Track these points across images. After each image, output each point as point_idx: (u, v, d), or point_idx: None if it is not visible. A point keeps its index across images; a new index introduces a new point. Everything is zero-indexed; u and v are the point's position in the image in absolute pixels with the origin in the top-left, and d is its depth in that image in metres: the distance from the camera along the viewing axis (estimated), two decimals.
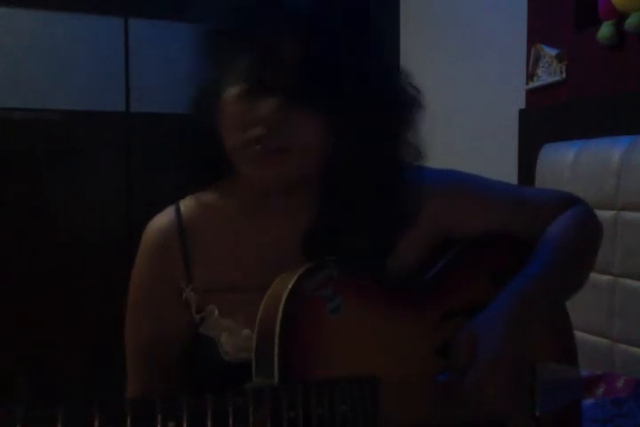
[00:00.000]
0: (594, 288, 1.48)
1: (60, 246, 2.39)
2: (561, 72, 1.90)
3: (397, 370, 0.74)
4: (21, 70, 2.33)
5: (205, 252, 0.86)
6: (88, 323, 2.32)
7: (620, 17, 1.64)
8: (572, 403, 0.90)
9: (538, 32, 2.00)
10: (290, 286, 0.71)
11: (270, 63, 0.75)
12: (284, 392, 0.64)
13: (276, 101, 0.74)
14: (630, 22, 1.60)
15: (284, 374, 0.67)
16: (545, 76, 1.97)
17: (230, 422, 0.60)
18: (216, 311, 0.84)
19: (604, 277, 1.50)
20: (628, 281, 1.47)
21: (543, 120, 1.98)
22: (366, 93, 0.76)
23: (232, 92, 0.76)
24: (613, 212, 1.49)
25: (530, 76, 2.02)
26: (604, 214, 1.36)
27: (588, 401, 1.22)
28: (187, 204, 0.89)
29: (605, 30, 1.68)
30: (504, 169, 2.02)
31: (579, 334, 0.98)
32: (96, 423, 0.55)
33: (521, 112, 2.05)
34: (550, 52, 1.94)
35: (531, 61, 2.01)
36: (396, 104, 0.80)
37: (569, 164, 1.68)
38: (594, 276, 1.22)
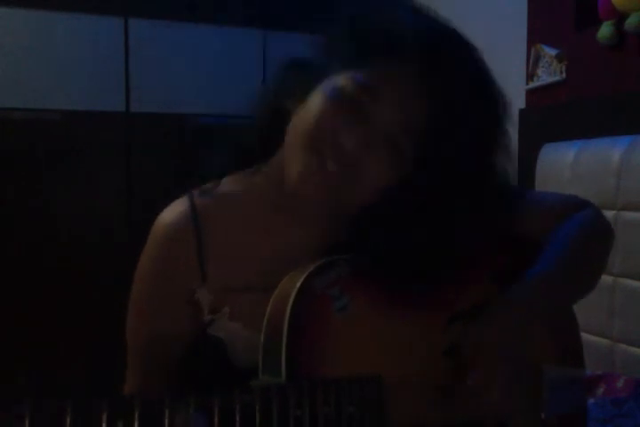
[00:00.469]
0: None
1: (60, 246, 2.38)
2: (561, 72, 1.90)
3: (403, 370, 0.74)
4: (21, 70, 2.33)
5: (223, 247, 0.82)
6: (88, 323, 2.32)
7: (620, 17, 1.64)
8: (578, 405, 0.90)
9: (538, 32, 2.00)
10: (298, 285, 0.71)
11: (390, 93, 0.72)
12: (291, 390, 0.63)
13: (364, 132, 0.72)
14: (630, 22, 1.60)
15: (290, 373, 0.67)
16: (545, 76, 1.97)
17: (237, 420, 0.60)
18: (227, 313, 0.82)
19: (604, 277, 1.49)
20: (628, 281, 1.47)
21: (543, 120, 1.97)
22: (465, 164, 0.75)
23: (334, 96, 0.74)
24: (613, 212, 1.49)
25: (530, 76, 2.02)
26: (603, 214, 1.36)
27: (589, 401, 1.22)
28: (202, 195, 0.84)
29: (605, 30, 1.68)
30: None
31: None
32: (104, 419, 0.55)
33: (521, 112, 2.05)
34: (550, 52, 1.94)
35: (531, 61, 2.01)
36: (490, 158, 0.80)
37: (569, 164, 1.68)
38: None
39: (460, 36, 0.77)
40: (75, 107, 2.40)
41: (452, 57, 0.74)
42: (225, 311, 0.82)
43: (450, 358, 0.77)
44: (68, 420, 0.54)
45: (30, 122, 2.35)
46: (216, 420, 0.59)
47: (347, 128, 0.72)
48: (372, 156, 0.73)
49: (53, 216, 2.39)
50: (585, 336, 1.40)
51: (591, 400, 1.23)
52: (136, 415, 0.56)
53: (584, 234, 0.87)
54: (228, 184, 0.85)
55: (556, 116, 1.92)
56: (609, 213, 1.50)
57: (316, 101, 0.74)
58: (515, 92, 2.07)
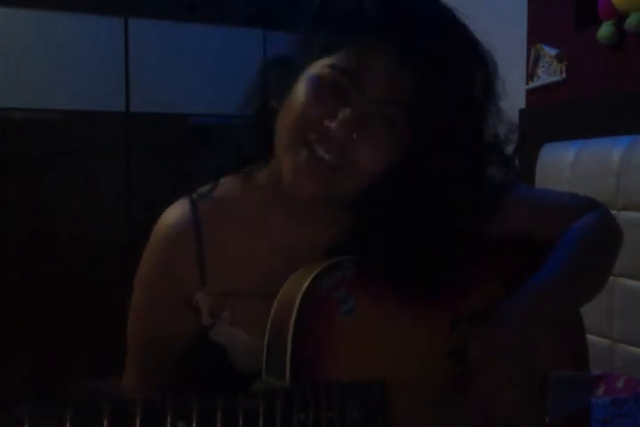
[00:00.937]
0: None
1: (60, 246, 2.38)
2: (561, 72, 1.90)
3: (408, 372, 0.74)
4: (21, 70, 2.33)
5: (223, 250, 0.81)
6: (88, 323, 2.32)
7: (620, 17, 1.64)
8: (583, 407, 0.89)
9: (538, 32, 2.00)
10: (305, 287, 0.70)
11: (367, 71, 0.72)
12: (295, 394, 0.63)
13: (351, 113, 0.71)
14: (630, 22, 1.60)
15: (295, 375, 0.67)
16: (545, 76, 1.97)
17: (240, 424, 0.59)
18: (227, 319, 0.81)
19: None
20: (628, 281, 1.47)
21: (543, 120, 1.97)
22: (459, 127, 0.74)
23: (314, 84, 0.73)
24: (613, 212, 1.49)
25: (530, 76, 2.02)
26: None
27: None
28: (203, 196, 0.84)
29: (605, 30, 1.68)
30: None
31: None
32: (105, 422, 0.55)
33: (521, 112, 2.05)
34: (550, 52, 1.93)
35: (531, 61, 2.01)
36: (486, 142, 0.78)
37: (569, 164, 1.68)
38: None
39: (429, 3, 0.76)
40: (75, 107, 2.40)
41: (420, 24, 0.72)
42: (225, 316, 0.82)
43: (454, 359, 0.77)
44: (68, 424, 0.54)
45: (30, 122, 2.35)
46: (219, 424, 0.58)
47: (331, 112, 0.71)
48: (364, 136, 0.71)
49: (53, 216, 2.39)
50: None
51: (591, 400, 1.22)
52: (137, 420, 0.55)
53: (592, 236, 0.86)
54: (226, 186, 0.85)
55: (556, 116, 1.92)
56: None
57: (297, 94, 0.74)
58: (515, 92, 2.07)
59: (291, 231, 0.82)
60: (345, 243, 0.80)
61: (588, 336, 0.94)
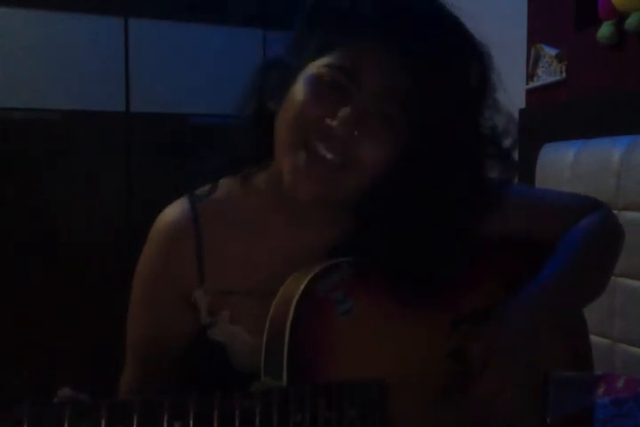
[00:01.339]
0: None
1: (60, 246, 2.38)
2: (561, 72, 1.90)
3: (408, 373, 0.74)
4: (21, 70, 2.33)
5: (222, 250, 0.82)
6: (88, 323, 2.32)
7: (620, 17, 1.64)
8: (585, 407, 0.89)
9: (538, 32, 2.00)
10: (302, 288, 0.70)
11: (365, 70, 0.71)
12: (292, 394, 0.63)
13: (351, 112, 0.71)
14: (630, 22, 1.60)
15: (292, 376, 0.67)
16: (545, 76, 1.96)
17: (237, 424, 0.59)
18: (227, 317, 0.82)
19: None
20: (628, 281, 1.47)
21: (543, 120, 1.97)
22: (457, 122, 0.74)
23: (312, 84, 0.73)
24: (614, 212, 1.49)
25: (530, 76, 2.02)
26: (614, 215, 1.36)
27: None
28: (203, 195, 0.84)
29: (605, 30, 1.68)
30: None
31: None
32: (103, 422, 0.55)
33: (521, 112, 2.05)
34: (550, 52, 1.93)
35: (531, 61, 2.01)
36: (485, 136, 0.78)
37: (569, 164, 1.68)
38: None
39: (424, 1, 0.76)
40: (75, 107, 2.40)
41: (416, 21, 0.72)
42: (225, 315, 0.82)
43: (454, 360, 0.77)
44: (67, 423, 0.54)
45: (30, 122, 2.35)
46: (215, 424, 0.58)
47: (331, 111, 0.71)
48: (365, 134, 0.71)
49: (53, 216, 2.39)
50: None
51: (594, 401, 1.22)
52: (135, 419, 0.56)
53: (594, 237, 0.86)
54: (225, 187, 0.84)
55: (556, 116, 1.92)
56: None
57: (295, 94, 0.74)
58: (515, 92, 2.07)
59: (290, 233, 0.82)
60: (345, 244, 0.79)
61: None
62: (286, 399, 0.62)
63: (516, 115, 2.07)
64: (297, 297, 0.70)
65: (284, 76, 0.77)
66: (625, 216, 1.48)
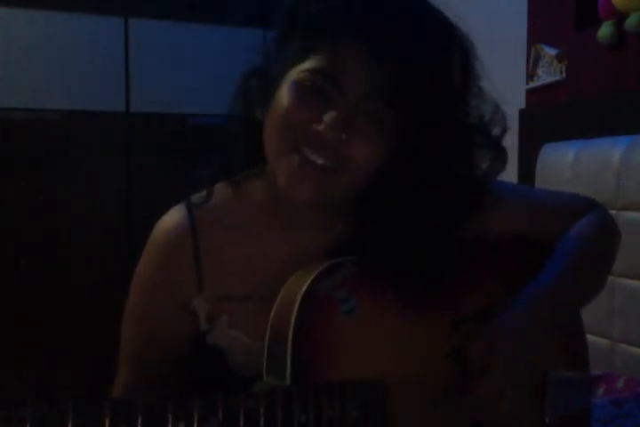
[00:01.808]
0: None
1: (60, 246, 2.38)
2: (561, 72, 1.90)
3: (409, 372, 0.74)
4: (21, 70, 2.33)
5: (219, 256, 0.82)
6: (88, 323, 2.32)
7: (620, 17, 1.64)
8: (582, 407, 0.89)
9: (538, 32, 2.00)
10: (305, 287, 0.70)
11: (345, 71, 0.71)
12: (296, 394, 0.63)
13: (336, 115, 0.70)
14: (630, 22, 1.60)
15: (295, 375, 0.67)
16: (545, 76, 1.96)
17: (241, 424, 0.59)
18: (226, 322, 0.82)
19: None
20: (628, 281, 1.47)
21: (543, 120, 1.97)
22: (445, 115, 0.73)
23: (295, 90, 0.72)
24: (613, 212, 1.49)
25: (530, 76, 2.02)
26: (611, 215, 1.36)
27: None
28: (200, 201, 0.83)
29: (605, 30, 1.68)
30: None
31: None
32: (107, 423, 0.55)
33: (521, 112, 2.05)
34: (550, 52, 1.93)
35: (531, 61, 2.01)
36: (472, 131, 0.77)
37: (569, 164, 1.68)
38: None
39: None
40: (75, 107, 2.40)
41: (391, 20, 0.71)
42: (224, 320, 0.82)
43: (454, 360, 0.77)
44: (70, 423, 0.54)
45: (30, 122, 2.35)
46: (219, 424, 0.58)
47: (316, 116, 0.71)
48: (353, 136, 0.71)
49: (53, 216, 2.39)
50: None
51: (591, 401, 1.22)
52: (139, 420, 0.55)
53: (592, 237, 0.86)
54: (221, 193, 0.84)
55: (556, 116, 1.92)
56: None
57: (280, 101, 0.73)
58: (515, 92, 2.07)
59: (286, 237, 0.82)
60: (341, 247, 0.79)
61: (588, 336, 0.94)
62: (290, 399, 0.62)
63: (516, 115, 2.07)
64: (300, 296, 0.70)
65: (268, 83, 0.77)
66: (624, 216, 1.48)
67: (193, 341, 0.85)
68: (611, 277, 1.48)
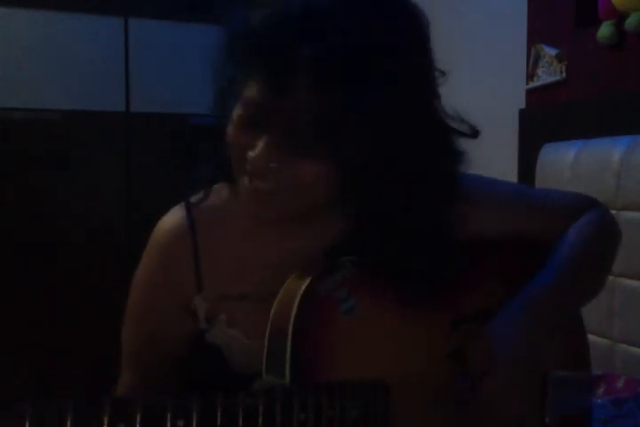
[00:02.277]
0: None
1: (60, 246, 2.38)
2: (561, 72, 1.90)
3: (410, 373, 0.74)
4: (21, 70, 2.33)
5: (218, 256, 0.82)
6: (88, 323, 2.32)
7: (620, 17, 1.64)
8: (583, 407, 0.89)
9: (538, 32, 2.00)
10: (304, 286, 0.70)
11: (275, 99, 0.67)
12: (296, 393, 0.63)
13: (267, 142, 0.68)
14: (630, 22, 1.60)
15: (295, 375, 0.67)
16: (545, 76, 1.97)
17: (240, 422, 0.59)
18: (224, 321, 0.82)
19: None
20: (628, 281, 1.47)
21: (543, 120, 1.97)
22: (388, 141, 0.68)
23: (236, 114, 0.71)
24: (613, 212, 1.49)
25: (530, 76, 2.02)
26: (611, 214, 1.37)
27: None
28: (198, 203, 0.83)
29: (605, 30, 1.68)
30: (504, 169, 2.02)
31: None
32: (106, 420, 0.55)
33: (521, 112, 2.05)
34: (550, 52, 1.93)
35: (531, 61, 2.01)
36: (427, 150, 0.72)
37: (569, 164, 1.68)
38: None
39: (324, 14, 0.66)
40: (75, 107, 2.40)
41: (329, 29, 0.65)
42: (222, 319, 0.82)
43: (455, 360, 0.77)
44: (69, 421, 0.54)
45: (30, 122, 2.35)
46: (218, 422, 0.58)
47: (252, 142, 0.69)
48: (288, 161, 0.68)
49: (53, 216, 2.39)
50: None
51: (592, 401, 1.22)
52: (138, 417, 0.56)
53: (592, 236, 0.86)
54: (219, 193, 0.84)
55: (556, 116, 1.92)
56: None
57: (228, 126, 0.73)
58: (515, 92, 2.07)
59: (284, 236, 0.82)
60: (339, 246, 0.79)
61: (588, 336, 0.94)
62: (290, 398, 0.62)
63: (516, 115, 2.08)
64: (299, 296, 0.70)
65: (229, 99, 0.74)
66: (624, 216, 1.48)
67: (193, 340, 0.85)
68: (611, 277, 1.48)
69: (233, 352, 0.84)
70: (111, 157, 2.46)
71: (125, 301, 0.87)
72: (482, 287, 0.83)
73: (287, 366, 0.67)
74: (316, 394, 0.64)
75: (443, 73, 0.75)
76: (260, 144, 0.68)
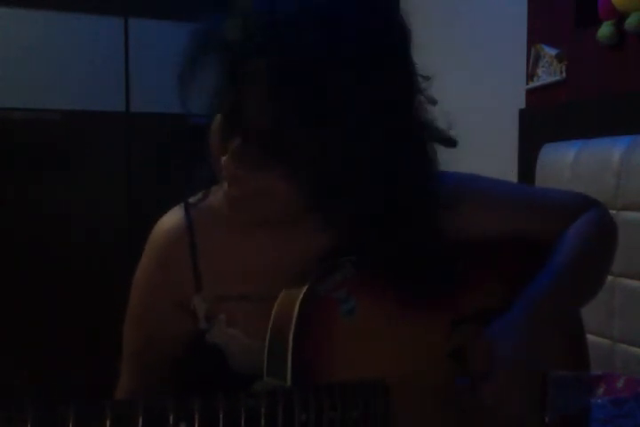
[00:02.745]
0: None
1: (60, 246, 2.38)
2: (561, 72, 1.90)
3: (409, 372, 0.74)
4: (21, 70, 2.33)
5: (217, 256, 0.82)
6: (88, 323, 2.32)
7: (620, 17, 1.64)
8: (582, 407, 0.89)
9: (538, 32, 2.00)
10: (305, 288, 0.70)
11: (236, 107, 0.67)
12: (297, 394, 0.63)
13: (234, 148, 0.68)
14: (630, 22, 1.60)
15: (296, 376, 0.67)
16: (545, 76, 1.97)
17: (242, 424, 0.59)
18: (224, 321, 0.82)
19: None
20: (628, 281, 1.47)
21: (543, 120, 1.97)
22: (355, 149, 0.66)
23: (216, 120, 0.72)
24: (613, 212, 1.49)
25: (530, 76, 2.02)
26: (610, 213, 1.37)
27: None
28: (197, 203, 0.83)
29: (605, 30, 1.68)
30: (504, 169, 2.02)
31: None
32: (108, 423, 0.55)
33: (521, 112, 2.05)
34: (550, 52, 1.93)
35: (531, 61, 2.01)
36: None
37: (569, 164, 1.68)
38: None
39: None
40: (75, 107, 2.40)
41: (293, 37, 0.63)
42: (221, 318, 0.82)
43: (455, 360, 0.77)
44: (71, 425, 0.54)
45: (30, 122, 2.35)
46: (221, 424, 0.58)
47: (224, 148, 0.70)
48: (257, 168, 0.68)
49: (53, 216, 2.39)
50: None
51: (591, 400, 1.22)
52: (140, 420, 0.56)
53: (591, 236, 0.86)
54: (217, 194, 0.82)
55: (556, 116, 1.92)
56: None
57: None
58: (515, 92, 2.07)
59: (282, 236, 0.82)
60: (338, 246, 0.79)
61: (588, 336, 0.94)
62: (291, 399, 0.62)
63: (516, 115, 2.08)
64: (300, 297, 0.70)
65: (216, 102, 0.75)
66: (625, 216, 1.48)
67: (193, 341, 0.85)
68: (611, 277, 1.48)
69: (233, 352, 0.84)
70: (111, 157, 2.46)
71: (126, 301, 0.87)
72: (482, 287, 0.83)
73: (288, 367, 0.67)
74: (316, 395, 0.64)
75: (426, 78, 0.73)
76: (230, 150, 0.69)
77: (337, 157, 0.66)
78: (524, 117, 2.04)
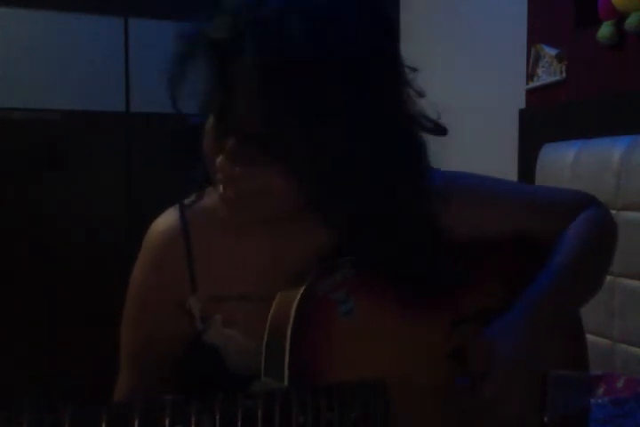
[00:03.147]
0: None
1: (60, 246, 2.38)
2: (561, 72, 1.90)
3: (409, 373, 0.74)
4: (21, 70, 2.33)
5: (212, 257, 0.82)
6: (88, 323, 2.32)
7: (620, 17, 1.64)
8: (581, 407, 0.89)
9: (538, 32, 2.00)
10: (302, 289, 0.70)
11: (234, 102, 0.67)
12: (295, 395, 0.63)
13: (229, 148, 0.68)
14: (630, 22, 1.60)
15: (293, 377, 0.67)
16: (545, 76, 1.97)
17: (239, 425, 0.59)
18: (219, 321, 0.82)
19: None
20: (628, 281, 1.47)
21: (543, 120, 1.97)
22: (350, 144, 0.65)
23: (209, 121, 0.71)
24: (613, 212, 1.49)
25: (530, 76, 2.02)
26: (610, 212, 1.37)
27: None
28: (192, 204, 0.83)
29: (605, 30, 1.68)
30: (504, 169, 2.02)
31: None
32: (104, 425, 0.54)
33: (521, 112, 2.05)
34: (550, 51, 1.93)
35: (531, 61, 2.01)
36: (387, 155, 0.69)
37: (569, 164, 1.68)
38: None
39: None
40: (75, 107, 2.40)
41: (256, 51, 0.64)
42: (217, 319, 0.82)
43: (454, 360, 0.77)
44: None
45: (30, 122, 2.35)
46: (217, 425, 0.58)
47: (219, 148, 0.70)
48: (253, 167, 0.68)
49: (53, 216, 2.39)
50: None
51: (591, 400, 1.22)
52: (136, 422, 0.55)
53: (591, 235, 0.86)
54: (212, 195, 0.82)
55: (556, 116, 1.92)
56: None
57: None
58: (515, 92, 2.07)
59: (278, 236, 0.81)
60: (336, 245, 0.79)
61: (588, 336, 0.94)
62: (289, 400, 0.62)
63: (516, 115, 2.08)
64: (298, 298, 0.70)
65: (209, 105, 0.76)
66: (625, 216, 1.48)
67: (191, 341, 0.85)
68: (611, 278, 1.48)
69: (230, 353, 0.84)
70: (111, 157, 2.46)
71: (125, 300, 0.88)
72: (482, 287, 0.83)
73: (286, 367, 0.67)
74: (314, 396, 0.64)
75: (413, 69, 0.72)
76: (225, 150, 0.69)
77: (331, 155, 0.65)
78: (524, 117, 2.04)
